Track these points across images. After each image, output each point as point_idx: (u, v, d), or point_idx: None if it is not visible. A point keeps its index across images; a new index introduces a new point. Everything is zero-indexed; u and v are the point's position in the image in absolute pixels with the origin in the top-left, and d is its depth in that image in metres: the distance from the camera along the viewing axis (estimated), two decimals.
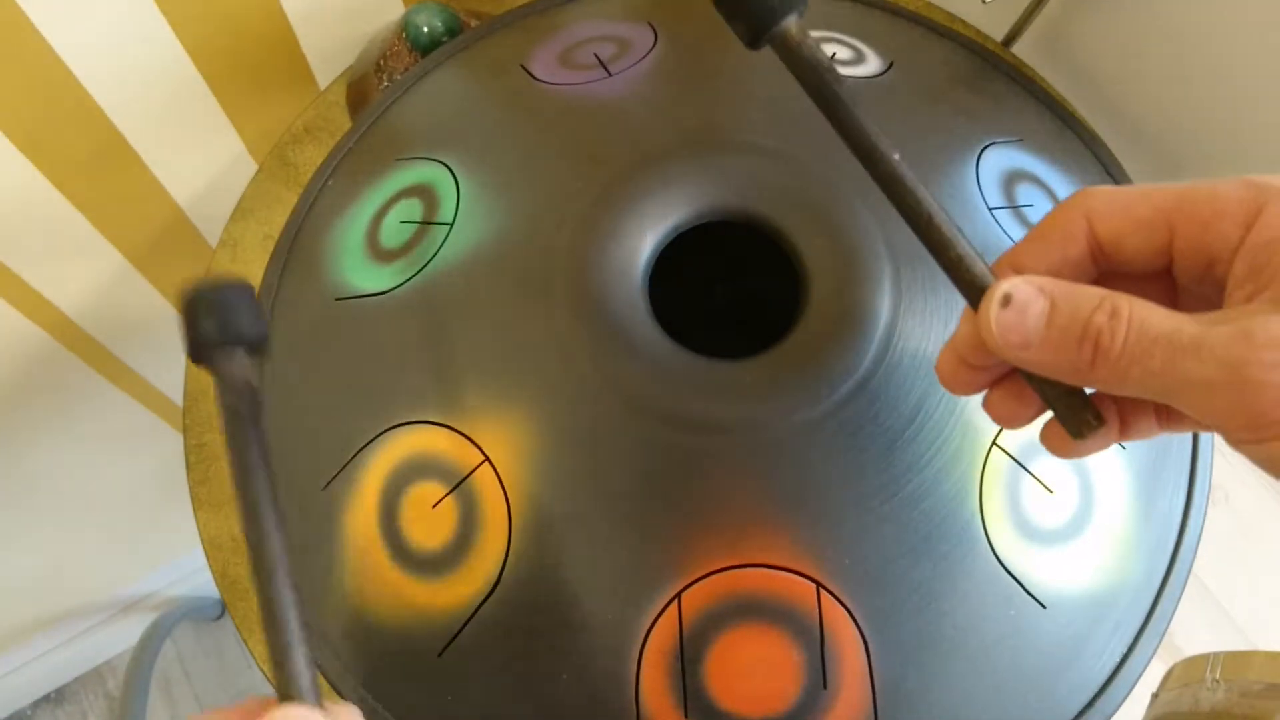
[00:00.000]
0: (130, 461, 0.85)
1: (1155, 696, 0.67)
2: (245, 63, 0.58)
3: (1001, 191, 0.39)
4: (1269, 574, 1.07)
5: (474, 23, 0.56)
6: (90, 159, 0.57)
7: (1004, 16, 0.55)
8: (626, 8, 0.46)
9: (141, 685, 0.88)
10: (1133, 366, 0.21)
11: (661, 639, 0.33)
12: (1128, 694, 0.36)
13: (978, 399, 0.35)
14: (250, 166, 0.65)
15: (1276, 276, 0.20)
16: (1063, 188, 0.42)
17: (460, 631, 0.34)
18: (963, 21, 0.56)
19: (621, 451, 0.34)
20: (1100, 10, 0.53)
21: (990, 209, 0.39)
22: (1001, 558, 0.34)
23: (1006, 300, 0.22)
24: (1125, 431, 0.25)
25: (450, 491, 0.35)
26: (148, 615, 1.07)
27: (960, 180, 0.39)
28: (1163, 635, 0.36)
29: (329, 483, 0.37)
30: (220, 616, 1.13)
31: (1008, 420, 0.26)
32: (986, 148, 0.40)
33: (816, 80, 0.27)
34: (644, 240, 0.37)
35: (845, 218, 0.36)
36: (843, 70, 0.42)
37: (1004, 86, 0.46)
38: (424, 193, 0.41)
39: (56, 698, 1.12)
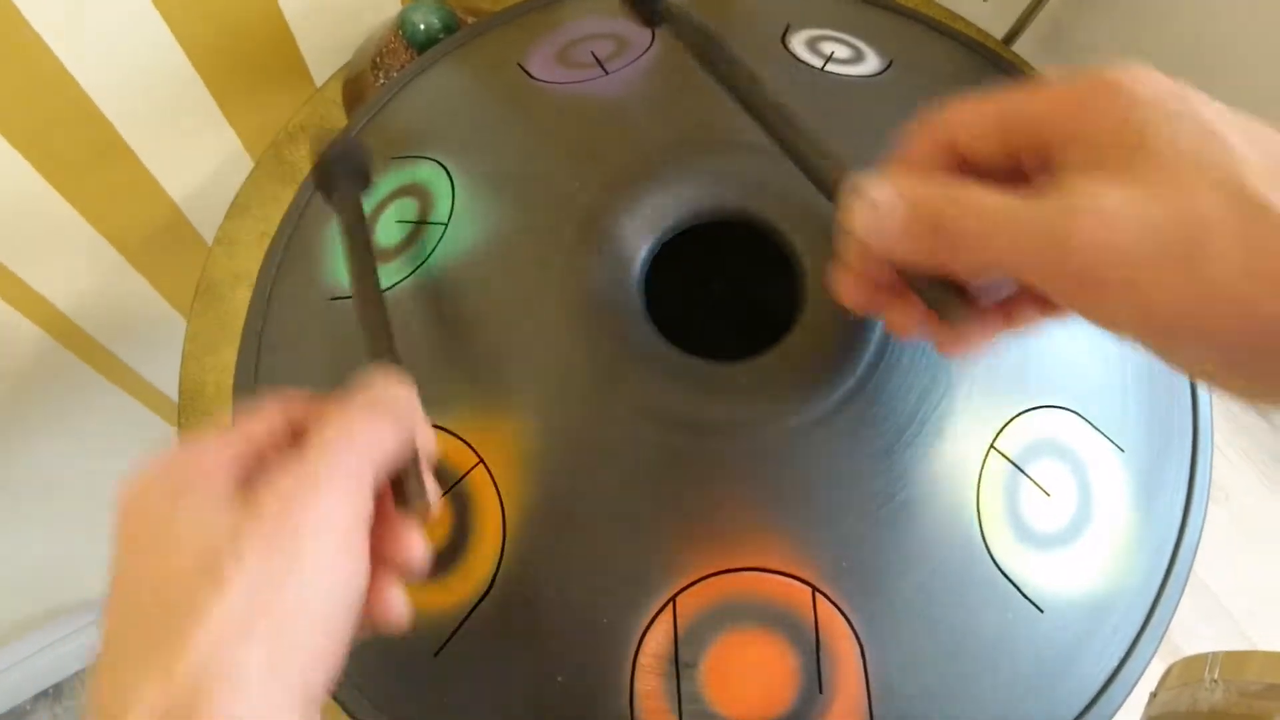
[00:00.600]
0: (126, 457, 0.85)
1: (1153, 696, 0.67)
2: (241, 60, 0.58)
3: None
4: (1269, 572, 1.07)
5: (471, 20, 0.55)
6: (86, 157, 0.57)
7: (1005, 14, 0.55)
8: None
9: None
10: (980, 249, 0.23)
11: (656, 642, 0.32)
12: (1126, 697, 0.35)
13: (977, 402, 0.34)
14: (246, 164, 0.64)
15: (1096, 158, 0.22)
16: None
17: (455, 633, 0.34)
18: (963, 19, 0.56)
19: (616, 453, 0.34)
20: (1101, 8, 0.53)
21: None
22: (999, 561, 0.34)
23: (867, 202, 0.25)
24: (1010, 320, 0.27)
25: (444, 493, 0.34)
26: None
27: None
28: (1161, 638, 0.36)
29: None
30: None
31: (898, 327, 0.29)
32: None
33: (702, 41, 0.31)
34: (641, 240, 0.37)
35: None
36: (842, 69, 0.42)
37: (1005, 84, 0.46)
38: (419, 192, 0.40)
39: (55, 693, 1.13)
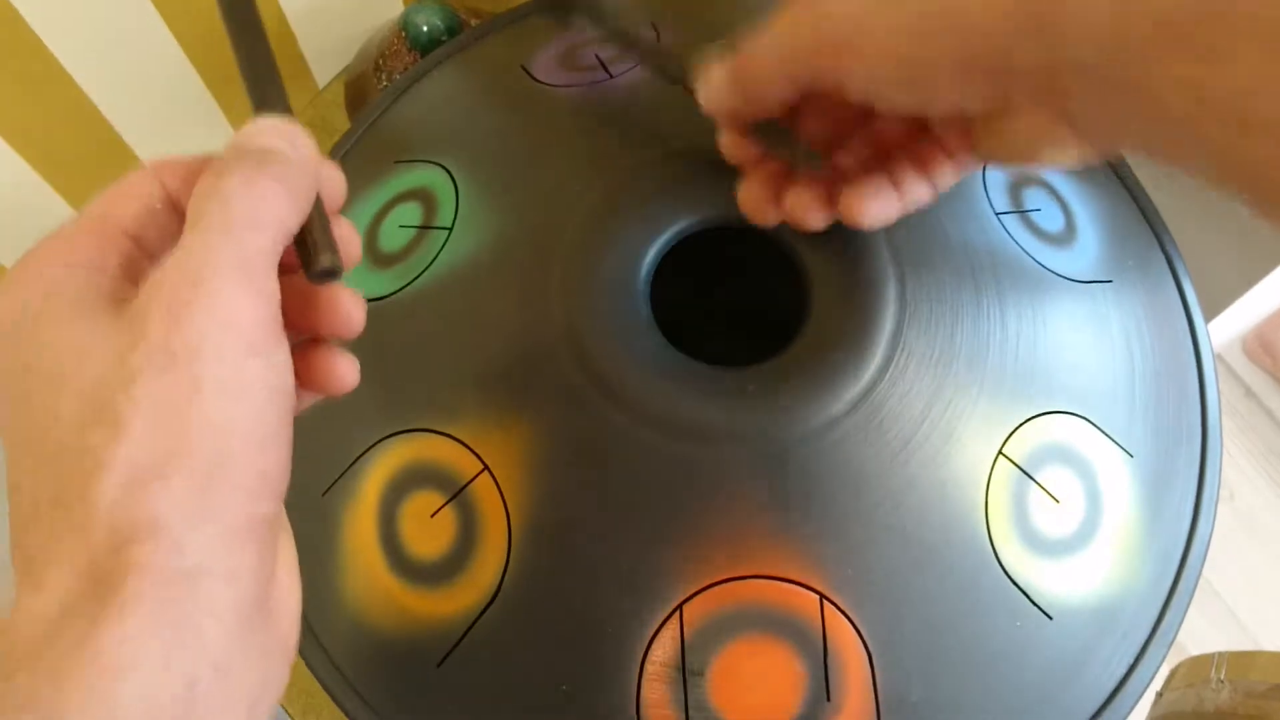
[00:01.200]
0: None
1: (1159, 696, 0.67)
2: None
3: (1008, 195, 0.39)
4: (1275, 573, 1.07)
5: (474, 22, 0.55)
6: (86, 157, 0.57)
7: None
8: (629, 8, 0.46)
9: None
10: (764, 71, 0.30)
11: (663, 651, 0.32)
12: (1135, 704, 0.35)
13: (985, 407, 0.34)
14: None
15: None
16: (1070, 190, 0.41)
17: (460, 642, 0.34)
18: None
19: (622, 460, 0.34)
20: None
21: (997, 213, 0.38)
22: (1007, 568, 0.33)
23: (710, 78, 0.32)
24: (897, 183, 0.32)
25: (449, 501, 0.34)
26: None
27: (966, 184, 0.38)
28: (1170, 644, 0.36)
29: (327, 490, 0.37)
30: None
31: (758, 211, 0.35)
32: None
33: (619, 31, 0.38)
34: (646, 245, 0.36)
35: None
36: None
37: None
38: (423, 196, 0.40)
39: None
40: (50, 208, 0.57)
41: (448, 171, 0.40)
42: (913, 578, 0.33)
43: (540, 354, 0.35)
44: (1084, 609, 0.35)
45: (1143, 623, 0.36)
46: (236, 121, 0.62)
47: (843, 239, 0.36)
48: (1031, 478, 0.34)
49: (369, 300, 0.38)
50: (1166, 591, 0.36)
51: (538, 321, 0.35)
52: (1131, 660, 0.35)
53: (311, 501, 0.37)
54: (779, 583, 0.32)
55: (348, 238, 0.25)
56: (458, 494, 0.34)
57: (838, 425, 0.33)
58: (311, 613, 0.37)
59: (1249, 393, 1.17)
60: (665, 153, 0.38)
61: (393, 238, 0.39)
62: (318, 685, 0.36)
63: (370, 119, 0.46)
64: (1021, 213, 0.39)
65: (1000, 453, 0.34)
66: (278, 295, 0.21)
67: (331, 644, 0.36)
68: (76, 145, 0.55)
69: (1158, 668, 0.36)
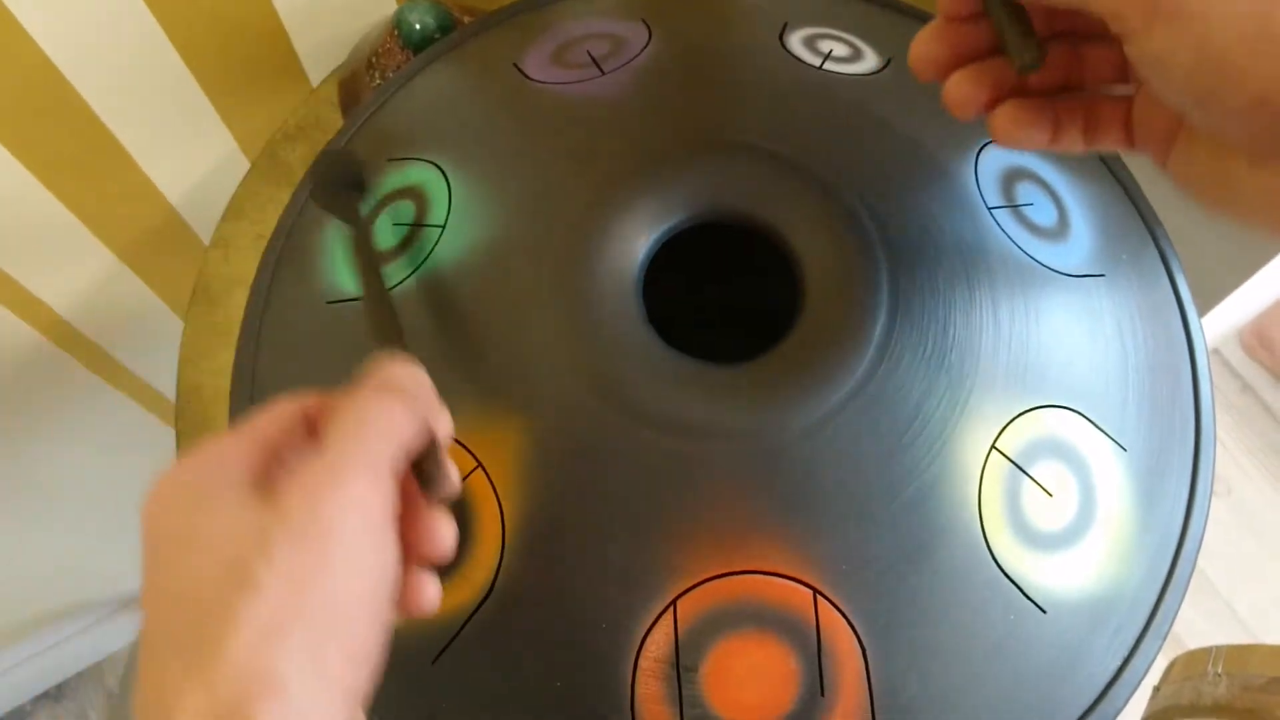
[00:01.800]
0: (126, 459, 0.85)
1: (1157, 690, 0.67)
2: (236, 61, 0.58)
3: (1000, 190, 0.39)
4: (1271, 567, 1.07)
5: (466, 20, 0.55)
6: (81, 159, 0.57)
7: None
8: (620, 5, 0.46)
9: None
10: None
11: (657, 646, 0.32)
12: (1129, 698, 0.35)
13: (978, 402, 0.34)
14: (242, 165, 0.64)
15: None
16: (1063, 185, 0.41)
17: (454, 638, 0.34)
18: None
19: (616, 457, 0.34)
20: None
21: (990, 208, 0.38)
22: (1001, 562, 0.34)
23: None
24: (1088, 132, 0.29)
25: None
26: None
27: (958, 179, 0.39)
28: (1165, 638, 0.36)
29: None
30: None
31: (963, 104, 0.30)
32: (985, 146, 0.40)
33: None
34: (638, 242, 0.36)
35: (842, 219, 0.36)
36: (840, 67, 0.41)
37: None
38: (415, 194, 0.40)
39: (56, 694, 1.12)
40: (44, 209, 0.57)
41: (441, 169, 0.40)
42: (906, 572, 0.33)
43: (533, 351, 0.35)
44: (1078, 603, 0.35)
45: (1137, 616, 0.36)
46: (233, 128, 0.62)
47: (835, 234, 0.36)
48: (1025, 472, 0.34)
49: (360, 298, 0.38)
50: (1161, 585, 0.36)
51: (531, 319, 0.35)
52: (1126, 653, 0.36)
53: None
54: (773, 578, 0.32)
55: (454, 473, 0.28)
56: None
57: (831, 421, 0.33)
58: None
59: (1246, 387, 1.17)
60: (657, 149, 0.38)
61: (386, 235, 0.39)
62: None
63: (363, 117, 0.45)
64: (1014, 207, 0.39)
65: (993, 447, 0.34)
66: (396, 501, 0.25)
67: None
68: (72, 148, 0.55)
69: (1152, 661, 0.36)
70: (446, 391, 0.35)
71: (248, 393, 0.40)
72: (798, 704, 0.32)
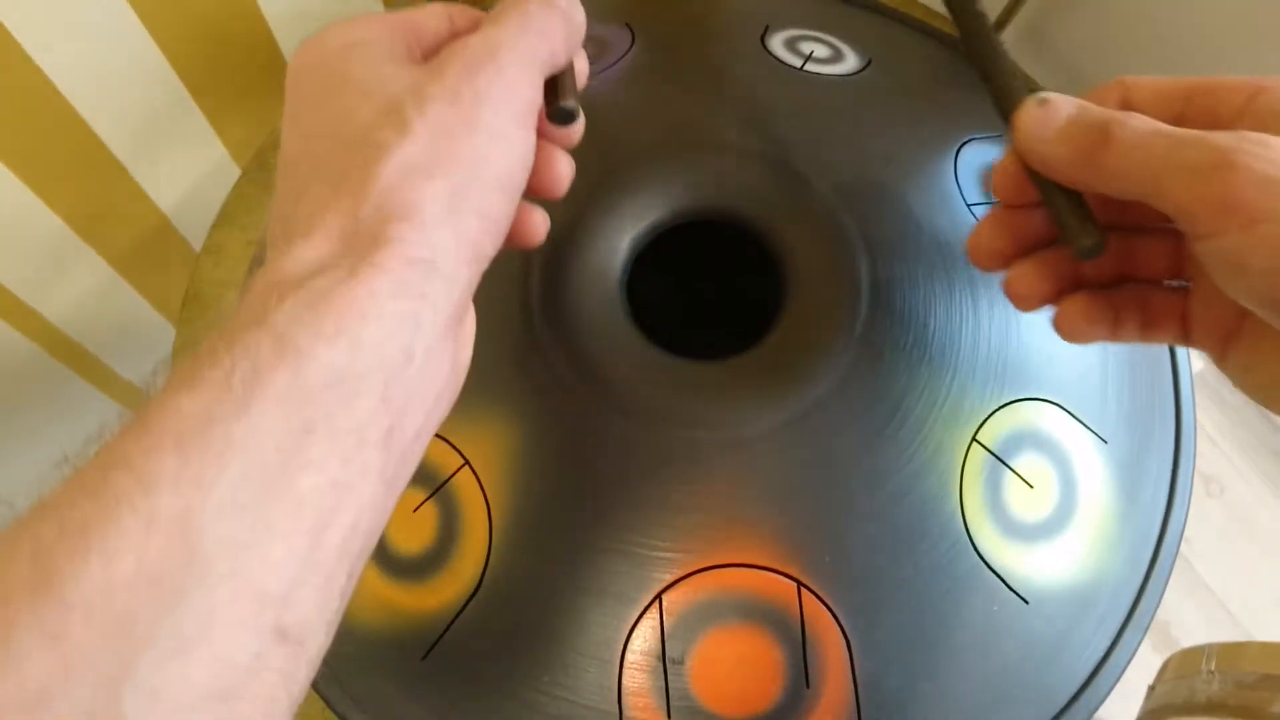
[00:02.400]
0: None
1: (1152, 689, 0.67)
2: (225, 68, 0.58)
3: (980, 187, 0.39)
4: (1265, 566, 1.07)
5: None
6: (72, 168, 0.57)
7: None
8: (604, 9, 0.46)
9: None
10: (1135, 151, 0.24)
11: (643, 640, 0.33)
12: (1112, 687, 0.36)
13: (958, 395, 0.35)
14: (233, 172, 0.65)
15: (1272, 123, 0.24)
16: None
17: (443, 635, 0.34)
18: (943, 17, 0.56)
19: (600, 453, 0.34)
20: (1082, 6, 0.53)
21: (969, 205, 0.38)
22: (983, 553, 0.34)
23: (1043, 102, 0.26)
24: (1146, 326, 0.28)
25: (430, 496, 0.35)
26: None
27: (938, 176, 0.39)
28: (1147, 628, 0.36)
29: None
30: None
31: (1028, 298, 0.29)
32: (965, 143, 0.40)
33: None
34: (622, 240, 0.37)
35: (823, 216, 0.36)
36: (821, 68, 0.42)
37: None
38: None
39: None
40: (35, 218, 0.58)
41: None
42: (889, 564, 0.33)
43: (519, 348, 0.35)
44: (1060, 593, 0.35)
45: (1119, 606, 0.36)
46: (223, 135, 0.62)
47: (817, 231, 0.36)
48: (1005, 464, 0.35)
49: None
50: (1143, 575, 0.37)
51: (516, 315, 0.36)
52: (1108, 643, 0.36)
53: None
54: (757, 571, 0.33)
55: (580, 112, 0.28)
56: (439, 489, 0.35)
57: (813, 415, 0.34)
58: None
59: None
60: (641, 149, 0.38)
61: None
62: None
63: None
64: (993, 204, 0.39)
65: (974, 439, 0.34)
66: (539, 102, 0.25)
67: None
68: (61, 155, 0.56)
69: (1134, 651, 0.36)
70: None
71: None
72: (784, 695, 0.32)
